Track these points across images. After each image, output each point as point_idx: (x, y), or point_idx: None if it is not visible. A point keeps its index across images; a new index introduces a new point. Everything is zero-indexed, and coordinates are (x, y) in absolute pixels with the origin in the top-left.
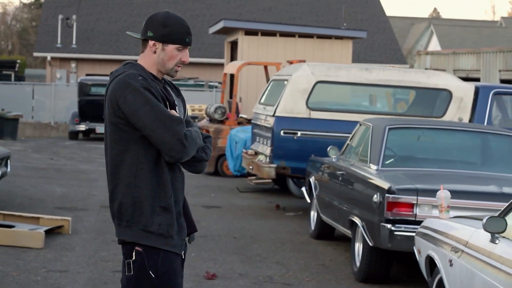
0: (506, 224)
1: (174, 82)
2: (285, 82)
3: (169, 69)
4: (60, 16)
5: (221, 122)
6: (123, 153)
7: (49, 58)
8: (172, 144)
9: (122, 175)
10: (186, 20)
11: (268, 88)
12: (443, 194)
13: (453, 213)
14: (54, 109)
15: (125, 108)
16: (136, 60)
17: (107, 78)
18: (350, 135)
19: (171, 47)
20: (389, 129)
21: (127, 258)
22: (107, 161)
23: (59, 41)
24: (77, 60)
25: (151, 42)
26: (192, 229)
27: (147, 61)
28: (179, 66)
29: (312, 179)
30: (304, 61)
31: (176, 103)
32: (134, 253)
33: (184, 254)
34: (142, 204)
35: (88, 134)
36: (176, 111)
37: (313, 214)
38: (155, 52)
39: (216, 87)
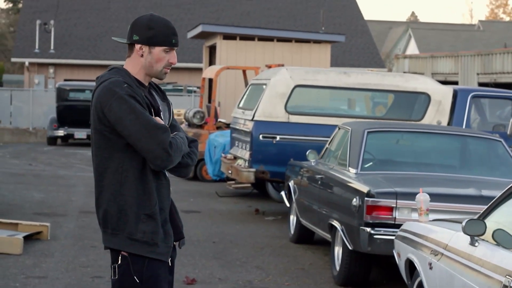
0: (485, 227)
1: None
2: (264, 86)
3: (158, 72)
4: (38, 21)
5: (200, 126)
6: (108, 160)
7: (27, 63)
8: (157, 153)
9: (106, 183)
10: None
11: (247, 93)
12: (422, 197)
13: (432, 216)
14: (33, 114)
15: (111, 116)
16: (122, 65)
17: (86, 83)
18: (329, 139)
19: (157, 50)
20: (368, 132)
21: (113, 263)
22: (94, 167)
23: (37, 47)
24: (55, 65)
25: (137, 46)
26: (179, 235)
27: (134, 65)
28: (168, 68)
29: (291, 183)
30: (282, 65)
31: (161, 108)
32: (120, 257)
33: (173, 260)
34: (127, 212)
35: (67, 140)
36: (161, 117)
37: (293, 218)
38: (142, 55)
39: (194, 91)
